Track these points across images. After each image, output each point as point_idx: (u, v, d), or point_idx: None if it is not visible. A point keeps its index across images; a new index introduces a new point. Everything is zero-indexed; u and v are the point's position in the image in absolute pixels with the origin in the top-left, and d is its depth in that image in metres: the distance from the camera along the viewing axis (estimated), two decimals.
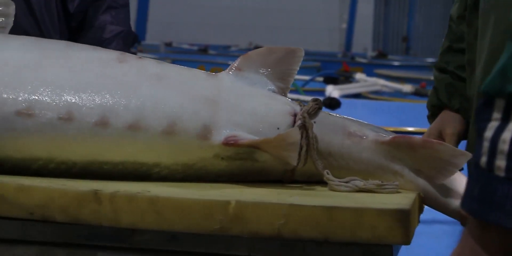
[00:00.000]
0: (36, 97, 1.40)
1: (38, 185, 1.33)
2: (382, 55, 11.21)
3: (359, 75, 5.46)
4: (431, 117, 1.80)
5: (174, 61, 8.71)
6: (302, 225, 1.25)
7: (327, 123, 1.46)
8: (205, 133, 1.42)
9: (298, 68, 1.53)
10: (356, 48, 15.33)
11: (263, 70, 1.50)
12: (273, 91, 1.50)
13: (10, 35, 1.51)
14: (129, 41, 2.09)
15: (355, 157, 1.43)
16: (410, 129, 3.24)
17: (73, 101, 1.41)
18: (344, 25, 16.13)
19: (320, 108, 1.48)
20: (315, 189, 1.40)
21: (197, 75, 1.49)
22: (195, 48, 12.74)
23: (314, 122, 1.45)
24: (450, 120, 1.75)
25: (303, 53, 1.53)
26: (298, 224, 1.25)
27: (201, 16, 16.32)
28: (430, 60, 11.71)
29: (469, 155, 1.36)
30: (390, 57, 11.61)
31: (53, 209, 1.31)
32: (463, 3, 1.73)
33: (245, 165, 1.43)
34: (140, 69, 1.46)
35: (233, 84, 1.48)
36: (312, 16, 16.81)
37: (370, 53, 11.35)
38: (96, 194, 1.31)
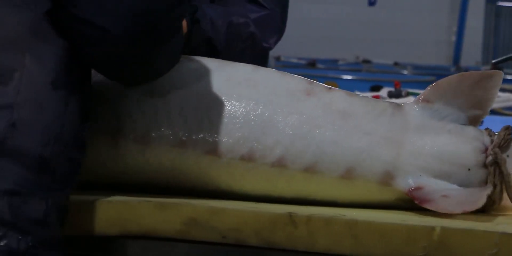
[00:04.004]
0: (220, 134, 1.34)
1: (231, 207, 1.29)
2: (497, 68, 10.96)
3: None
4: None
5: None
6: None
7: None
8: (386, 179, 1.33)
9: (497, 92, 1.39)
10: (465, 61, 15.04)
11: (455, 99, 1.38)
12: (464, 123, 1.38)
13: (192, 58, 1.44)
14: None
15: None
16: None
17: (254, 138, 1.34)
18: (453, 38, 15.85)
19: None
20: None
21: (383, 110, 1.38)
22: (303, 62, 12.71)
23: (507, 156, 1.34)
24: None
25: (502, 76, 1.39)
26: (511, 255, 1.18)
27: (306, 30, 16.32)
28: None
29: None
30: (505, 70, 11.32)
31: (246, 233, 1.28)
32: None
33: None
34: (327, 104, 1.37)
35: (419, 120, 1.37)
36: (420, 28, 16.58)
37: (485, 67, 11.10)
38: (291, 216, 1.27)
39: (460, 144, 1.36)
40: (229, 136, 1.34)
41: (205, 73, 1.39)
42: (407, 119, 1.37)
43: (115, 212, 1.31)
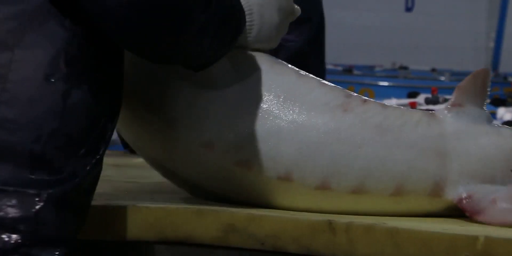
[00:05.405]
0: (254, 154, 1.30)
1: (269, 214, 1.28)
2: None
3: None
4: None
5: None
6: None
7: None
8: (436, 191, 1.31)
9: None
10: (503, 67, 14.91)
11: (476, 99, 1.38)
12: (493, 123, 1.38)
13: (241, 58, 1.36)
14: None
15: None
16: None
17: (292, 162, 1.30)
18: (491, 44, 15.73)
19: None
20: None
21: (418, 120, 1.35)
22: (340, 68, 12.68)
23: None
24: None
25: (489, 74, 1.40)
26: None
27: (342, 36, 16.28)
28: None
29: None
30: None
31: (284, 240, 1.26)
32: None
33: None
34: (364, 119, 1.33)
35: (456, 126, 1.35)
36: (458, 35, 16.47)
37: None
38: (330, 224, 1.25)
39: (500, 144, 1.35)
40: (262, 150, 1.30)
41: (248, 80, 1.34)
42: (444, 126, 1.35)
43: (153, 218, 1.30)
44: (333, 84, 1.40)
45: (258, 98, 1.33)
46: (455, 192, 1.31)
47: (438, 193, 1.32)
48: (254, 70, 1.35)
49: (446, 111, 1.37)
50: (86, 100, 1.17)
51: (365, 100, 1.36)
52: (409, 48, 16.62)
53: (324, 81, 1.39)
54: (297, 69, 1.40)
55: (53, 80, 1.14)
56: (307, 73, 1.40)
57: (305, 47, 2.04)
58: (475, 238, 1.19)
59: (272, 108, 1.32)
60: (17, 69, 1.12)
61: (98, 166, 1.20)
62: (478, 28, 16.67)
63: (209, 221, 1.28)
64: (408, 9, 16.52)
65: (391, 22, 16.81)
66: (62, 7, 1.15)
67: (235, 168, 1.32)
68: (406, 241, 1.21)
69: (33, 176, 1.12)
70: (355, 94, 1.38)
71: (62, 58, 1.14)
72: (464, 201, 1.30)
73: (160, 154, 1.37)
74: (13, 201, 1.11)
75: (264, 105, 1.32)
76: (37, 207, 1.12)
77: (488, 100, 1.41)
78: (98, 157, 1.20)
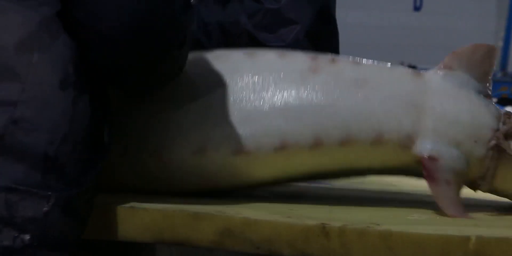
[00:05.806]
0: (241, 132, 1.35)
1: (264, 219, 1.29)
2: None
3: None
4: None
5: None
6: None
7: None
8: (408, 143, 1.36)
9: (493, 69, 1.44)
10: None
11: (472, 69, 1.40)
12: (482, 94, 1.41)
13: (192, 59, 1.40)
14: None
15: None
16: None
17: (282, 131, 1.35)
18: (500, 43, 15.69)
19: None
20: None
21: (401, 76, 1.40)
22: None
23: None
24: None
25: (496, 52, 1.44)
26: None
27: (350, 36, 16.23)
28: None
29: None
30: None
31: (279, 244, 1.28)
32: None
33: None
34: (337, 76, 1.38)
35: (440, 86, 1.39)
36: (466, 34, 16.44)
37: None
38: (324, 228, 1.26)
39: (476, 114, 1.37)
40: (251, 132, 1.35)
41: (207, 76, 1.39)
42: (428, 84, 1.39)
43: (150, 220, 1.32)
44: (295, 51, 1.43)
45: (224, 92, 1.37)
46: (423, 147, 1.35)
47: (410, 146, 1.35)
48: (203, 69, 1.39)
49: (435, 71, 1.40)
50: (92, 108, 1.21)
51: (333, 59, 1.40)
52: (418, 47, 16.60)
53: (283, 51, 1.42)
54: (244, 50, 1.43)
55: (65, 86, 1.17)
56: (256, 50, 1.43)
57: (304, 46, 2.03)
58: (467, 239, 1.20)
59: (242, 95, 1.36)
60: (35, 72, 1.15)
61: (99, 174, 1.23)
62: (487, 27, 16.63)
63: (205, 224, 1.30)
64: (417, 8, 16.50)
65: (399, 21, 16.79)
66: (68, 20, 1.20)
67: (235, 160, 1.35)
68: (399, 244, 1.23)
69: (44, 179, 1.15)
70: (322, 55, 1.41)
71: (73, 66, 1.19)
72: (428, 161, 1.34)
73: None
74: (24, 201, 1.13)
75: (232, 96, 1.36)
76: (46, 209, 1.14)
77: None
78: (100, 166, 1.23)
